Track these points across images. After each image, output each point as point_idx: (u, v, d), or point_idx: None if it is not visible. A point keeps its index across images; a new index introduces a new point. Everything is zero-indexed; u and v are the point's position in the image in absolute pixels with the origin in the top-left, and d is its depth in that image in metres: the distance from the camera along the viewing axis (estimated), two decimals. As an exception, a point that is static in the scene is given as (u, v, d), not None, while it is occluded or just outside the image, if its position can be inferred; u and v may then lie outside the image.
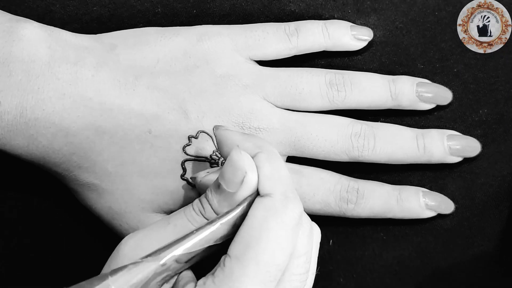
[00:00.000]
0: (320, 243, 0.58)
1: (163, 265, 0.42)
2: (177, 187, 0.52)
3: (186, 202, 0.53)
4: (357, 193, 0.54)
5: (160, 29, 0.54)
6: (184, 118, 0.51)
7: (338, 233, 0.59)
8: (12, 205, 0.58)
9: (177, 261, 0.42)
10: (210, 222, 0.43)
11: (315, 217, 0.55)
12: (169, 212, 0.53)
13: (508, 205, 0.58)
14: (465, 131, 0.57)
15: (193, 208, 0.45)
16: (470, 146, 0.55)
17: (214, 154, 0.52)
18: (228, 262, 0.41)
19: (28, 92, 0.49)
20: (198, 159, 0.52)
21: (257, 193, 0.44)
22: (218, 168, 0.48)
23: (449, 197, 0.57)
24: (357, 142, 0.54)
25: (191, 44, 0.53)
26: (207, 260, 0.45)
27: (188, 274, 0.44)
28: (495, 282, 0.59)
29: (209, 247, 0.43)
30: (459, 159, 0.55)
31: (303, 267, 0.45)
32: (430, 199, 0.56)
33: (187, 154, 0.52)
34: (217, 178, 0.44)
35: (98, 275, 0.41)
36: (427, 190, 0.57)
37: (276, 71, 0.54)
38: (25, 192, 0.58)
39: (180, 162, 0.52)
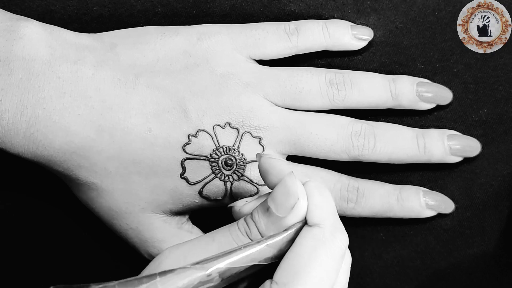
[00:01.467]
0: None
1: (209, 275, 0.42)
2: (176, 186, 0.52)
3: (186, 201, 0.53)
4: (357, 192, 0.54)
5: (160, 28, 0.54)
6: (184, 117, 0.51)
7: (338, 233, 0.59)
8: (12, 205, 0.58)
9: (220, 274, 0.42)
10: (257, 241, 0.43)
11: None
12: (169, 211, 0.53)
13: (508, 205, 0.58)
14: (465, 131, 0.57)
15: (238, 228, 0.45)
16: (470, 146, 0.55)
17: (214, 152, 0.52)
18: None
19: (28, 90, 0.49)
20: (198, 158, 0.52)
21: (304, 221, 0.44)
22: (256, 196, 0.48)
23: (449, 197, 0.57)
24: (357, 141, 0.54)
25: (191, 43, 0.53)
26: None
27: None
28: (495, 282, 0.59)
29: (252, 266, 0.43)
30: (459, 159, 0.55)
31: None
32: (430, 199, 0.56)
33: (187, 153, 0.52)
34: (266, 201, 0.44)
35: (147, 275, 0.41)
36: (427, 189, 0.57)
37: (276, 70, 0.54)
38: (25, 191, 0.58)
39: (180, 161, 0.52)
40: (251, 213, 0.45)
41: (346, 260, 0.47)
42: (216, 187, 0.53)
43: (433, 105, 0.55)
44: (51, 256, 0.59)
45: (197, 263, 0.42)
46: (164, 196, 0.52)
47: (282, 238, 0.43)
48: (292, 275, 0.41)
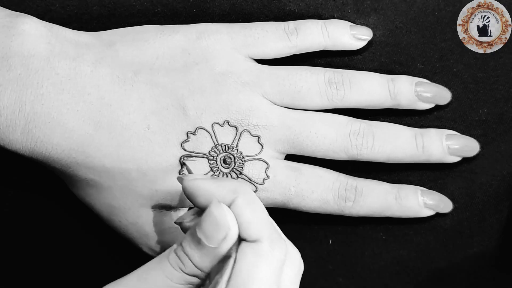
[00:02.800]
0: (320, 242, 0.58)
1: None
2: (175, 183, 0.52)
3: (184, 198, 0.52)
4: (356, 191, 0.54)
5: (160, 26, 0.54)
6: (182, 115, 0.51)
7: (338, 233, 0.59)
8: (10, 202, 0.58)
9: None
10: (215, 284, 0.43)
11: (314, 216, 0.55)
12: (168, 207, 0.53)
13: (507, 205, 0.58)
14: (464, 131, 0.56)
15: (170, 264, 0.44)
16: (469, 146, 0.55)
17: (213, 150, 0.52)
18: None
19: (27, 86, 0.49)
20: (197, 156, 0.52)
21: (239, 239, 0.43)
22: (196, 210, 0.47)
23: (448, 197, 0.57)
24: (356, 140, 0.54)
25: (190, 41, 0.53)
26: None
27: None
28: (495, 281, 0.59)
29: None
30: (457, 158, 0.55)
31: None
32: (428, 198, 0.56)
33: (185, 151, 0.52)
34: (195, 232, 0.43)
35: None
36: (426, 189, 0.57)
37: (275, 69, 0.54)
38: (24, 189, 0.58)
39: (179, 158, 0.52)
40: (182, 246, 0.44)
41: (293, 267, 0.46)
42: None
43: (432, 105, 0.55)
44: (49, 253, 0.59)
45: None
46: (163, 193, 0.52)
47: (228, 270, 0.43)
48: None
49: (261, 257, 0.43)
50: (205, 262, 0.43)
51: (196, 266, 0.44)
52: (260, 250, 0.43)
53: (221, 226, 0.43)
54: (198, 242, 0.43)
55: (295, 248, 0.47)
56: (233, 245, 0.43)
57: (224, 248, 0.43)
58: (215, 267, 0.44)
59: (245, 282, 0.42)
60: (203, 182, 0.45)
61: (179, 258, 0.44)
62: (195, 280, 0.44)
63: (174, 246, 0.44)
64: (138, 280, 0.44)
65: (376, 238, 0.59)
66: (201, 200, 0.45)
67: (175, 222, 0.48)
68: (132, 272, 0.45)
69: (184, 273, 0.44)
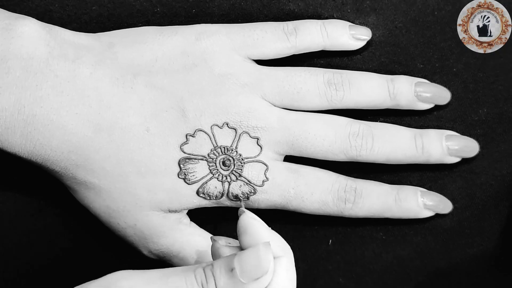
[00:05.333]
0: (320, 242, 0.58)
1: None
2: (174, 185, 0.52)
3: (184, 201, 0.53)
4: (355, 192, 0.54)
5: (159, 28, 0.54)
6: (182, 117, 0.51)
7: (338, 233, 0.59)
8: (10, 204, 0.58)
9: None
10: None
11: (314, 216, 0.55)
12: (167, 210, 0.53)
13: (507, 205, 0.58)
14: (464, 131, 0.56)
15: (195, 277, 0.44)
16: (469, 147, 0.55)
17: (212, 152, 0.52)
18: None
19: (26, 89, 0.49)
20: (196, 158, 0.52)
21: None
22: (238, 243, 0.47)
23: (448, 197, 0.57)
24: (355, 141, 0.54)
25: (190, 43, 0.53)
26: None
27: None
28: (495, 281, 0.59)
29: None
30: (457, 159, 0.55)
31: None
32: (428, 199, 0.56)
33: (185, 153, 0.52)
34: (232, 260, 0.43)
35: None
36: (425, 190, 0.57)
37: (274, 70, 0.54)
38: (23, 191, 0.58)
39: (178, 161, 0.52)
40: (212, 265, 0.44)
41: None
42: (214, 187, 0.53)
43: (432, 105, 0.55)
44: (49, 255, 0.59)
45: None
46: (162, 195, 0.52)
47: None
48: None
49: None
50: None
51: None
52: None
53: (261, 267, 0.43)
54: (230, 270, 0.43)
55: None
56: None
57: (251, 287, 0.43)
58: None
59: None
60: (259, 225, 0.45)
61: (205, 276, 0.44)
62: None
63: (204, 264, 0.44)
64: (161, 278, 0.44)
65: (376, 238, 0.59)
66: (248, 239, 0.45)
67: (211, 238, 0.48)
68: (157, 269, 0.45)
69: None
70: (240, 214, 0.45)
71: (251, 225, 0.45)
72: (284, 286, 0.44)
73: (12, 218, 0.59)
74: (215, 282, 0.43)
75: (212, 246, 0.47)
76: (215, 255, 0.46)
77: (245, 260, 0.43)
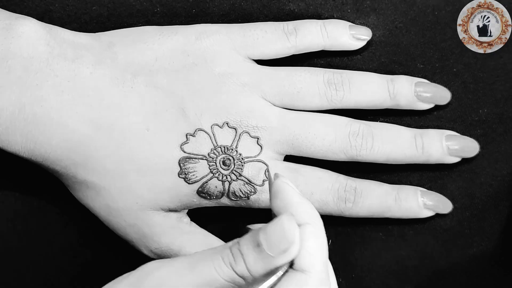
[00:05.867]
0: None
1: None
2: (174, 185, 0.52)
3: (184, 200, 0.53)
4: (355, 192, 0.54)
5: (159, 27, 0.54)
6: (182, 116, 0.51)
7: (338, 233, 0.59)
8: (10, 203, 0.58)
9: None
10: None
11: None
12: (167, 209, 0.53)
13: (507, 205, 0.58)
14: (464, 131, 0.56)
15: (222, 259, 0.43)
16: (469, 147, 0.55)
17: (212, 152, 0.52)
18: None
19: (26, 88, 0.49)
20: (196, 157, 0.52)
21: (291, 263, 0.43)
22: None
23: (448, 197, 0.57)
24: (355, 141, 0.54)
25: (190, 42, 0.53)
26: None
27: None
28: (495, 282, 0.59)
29: None
30: (457, 159, 0.55)
31: None
32: (428, 199, 0.56)
33: (185, 152, 0.52)
34: (258, 234, 0.43)
35: None
36: (426, 189, 0.56)
37: (274, 70, 0.54)
38: (23, 190, 0.58)
39: (178, 160, 0.52)
40: (239, 244, 0.43)
41: None
42: (214, 187, 0.53)
43: (432, 105, 0.55)
44: (49, 254, 0.59)
45: None
46: (162, 195, 0.52)
47: (267, 284, 0.43)
48: None
49: None
50: (257, 267, 0.42)
51: (247, 268, 0.43)
52: (305, 282, 0.42)
53: (287, 238, 0.42)
54: (257, 245, 0.42)
55: None
56: (285, 270, 0.43)
57: (280, 261, 0.42)
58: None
59: None
60: (291, 191, 0.44)
61: (233, 255, 0.43)
62: (241, 282, 0.43)
63: (230, 243, 0.44)
64: (188, 263, 0.43)
65: (375, 238, 0.59)
66: (278, 203, 0.44)
67: (246, 227, 0.48)
68: (183, 256, 0.45)
69: (234, 270, 0.43)
70: (275, 178, 0.45)
71: (283, 190, 0.44)
72: (313, 254, 0.43)
73: (12, 218, 0.59)
74: (244, 260, 0.43)
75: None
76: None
77: (270, 233, 0.42)
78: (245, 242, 0.43)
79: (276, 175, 0.45)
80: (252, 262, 0.42)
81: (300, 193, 0.45)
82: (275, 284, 0.43)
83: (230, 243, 0.44)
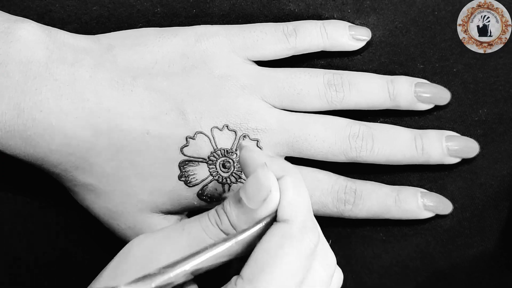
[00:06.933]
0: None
1: (172, 277, 0.42)
2: (174, 187, 0.52)
3: (184, 203, 0.53)
4: (355, 194, 0.54)
5: (159, 29, 0.54)
6: (181, 119, 0.51)
7: (338, 233, 0.59)
8: (10, 205, 0.59)
9: (185, 274, 0.42)
10: (225, 239, 0.43)
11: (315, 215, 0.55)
12: (167, 212, 0.53)
13: (507, 205, 0.58)
14: (464, 131, 0.56)
15: (209, 219, 0.45)
16: (469, 147, 0.55)
17: (212, 155, 0.52)
18: (240, 284, 0.42)
19: (25, 93, 0.49)
20: (196, 160, 0.52)
21: (275, 216, 0.43)
22: None
23: (448, 197, 0.57)
24: (355, 143, 0.54)
25: (189, 45, 0.53)
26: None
27: None
28: (495, 282, 0.59)
29: (221, 262, 0.43)
30: (457, 160, 0.55)
31: None
32: (428, 200, 0.56)
33: (185, 155, 0.52)
34: (238, 192, 0.44)
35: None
36: (426, 190, 0.57)
37: (274, 71, 0.54)
38: (23, 192, 0.58)
39: (178, 163, 0.52)
40: (223, 204, 0.45)
41: (336, 277, 0.47)
42: (214, 189, 0.53)
43: (431, 106, 0.55)
44: (49, 256, 0.59)
45: (163, 267, 0.42)
46: (162, 198, 0.52)
47: (250, 234, 0.43)
48: (257, 271, 0.42)
49: (289, 239, 0.43)
50: (241, 221, 0.44)
51: (231, 224, 0.44)
52: (289, 231, 0.43)
53: (263, 187, 0.43)
54: (238, 201, 0.44)
55: (333, 253, 0.48)
56: (267, 222, 0.43)
57: (261, 212, 0.43)
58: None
59: (267, 262, 0.42)
60: (258, 154, 0.45)
61: (218, 215, 0.44)
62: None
63: (218, 206, 0.45)
64: (177, 228, 0.45)
65: (376, 238, 0.59)
66: (249, 170, 0.45)
67: (222, 196, 0.50)
68: (173, 224, 0.47)
69: (220, 229, 0.44)
70: (240, 150, 0.46)
71: (250, 156, 0.45)
72: (294, 203, 0.43)
73: (12, 218, 0.59)
74: (227, 218, 0.44)
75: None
76: None
77: (247, 187, 0.43)
78: (228, 201, 0.44)
79: (240, 146, 0.46)
80: (236, 218, 0.44)
81: (267, 154, 0.46)
82: (259, 235, 0.43)
83: (217, 207, 0.45)
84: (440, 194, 0.57)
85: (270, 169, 0.44)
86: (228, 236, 0.43)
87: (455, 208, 0.57)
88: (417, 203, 0.55)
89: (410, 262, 0.59)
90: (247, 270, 0.42)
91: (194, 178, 0.52)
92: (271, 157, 0.45)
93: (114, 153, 0.51)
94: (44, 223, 0.59)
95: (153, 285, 0.41)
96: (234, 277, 0.42)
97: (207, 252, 0.42)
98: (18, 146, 0.50)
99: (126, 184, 0.52)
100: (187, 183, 0.52)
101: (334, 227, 0.58)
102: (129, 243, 0.45)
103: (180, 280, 0.42)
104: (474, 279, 0.59)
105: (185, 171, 0.52)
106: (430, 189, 0.57)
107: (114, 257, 0.45)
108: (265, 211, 0.43)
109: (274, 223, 0.43)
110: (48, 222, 0.59)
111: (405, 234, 0.59)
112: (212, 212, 0.45)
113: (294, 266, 0.42)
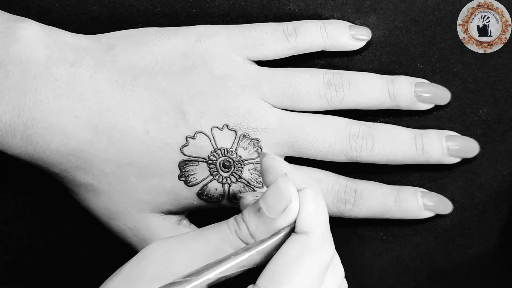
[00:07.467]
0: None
1: (197, 286, 0.42)
2: (174, 187, 0.52)
3: (184, 203, 0.53)
4: (355, 193, 0.54)
5: (159, 29, 0.54)
6: (182, 119, 0.51)
7: (338, 233, 0.59)
8: (11, 205, 0.59)
9: (208, 284, 0.42)
10: (247, 248, 0.43)
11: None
12: (167, 212, 0.53)
13: (507, 205, 0.58)
14: (464, 131, 0.56)
15: (228, 227, 0.44)
16: (469, 147, 0.55)
17: (212, 154, 0.52)
18: None
19: (25, 93, 0.49)
20: (196, 160, 0.52)
21: (293, 228, 0.43)
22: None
23: (448, 197, 0.57)
24: (355, 143, 0.54)
25: (190, 44, 0.53)
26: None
27: None
28: (495, 281, 0.59)
29: (240, 271, 0.43)
30: (457, 159, 0.55)
31: None
32: (428, 200, 0.56)
33: (185, 155, 0.52)
34: (258, 201, 0.44)
35: None
36: (426, 190, 0.57)
37: (274, 71, 0.54)
38: (24, 192, 0.59)
39: (178, 163, 0.52)
40: (242, 213, 0.45)
41: (336, 279, 0.47)
42: (214, 189, 0.53)
43: (431, 106, 0.55)
44: (50, 256, 0.59)
45: (188, 275, 0.42)
46: (162, 198, 0.52)
47: (270, 244, 0.43)
48: (274, 281, 0.41)
49: (308, 250, 0.43)
50: (260, 231, 0.43)
51: (250, 234, 0.44)
52: (308, 243, 0.43)
53: (284, 197, 0.43)
54: (257, 210, 0.44)
55: (341, 265, 0.48)
56: (288, 230, 0.43)
57: (281, 222, 0.43)
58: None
59: (286, 272, 0.42)
60: (280, 163, 0.45)
61: (237, 223, 0.44)
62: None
63: (235, 216, 0.45)
64: (195, 235, 0.45)
65: (376, 238, 0.59)
66: (270, 178, 0.45)
67: (238, 195, 0.49)
68: (191, 231, 0.47)
69: (238, 237, 0.44)
70: (262, 157, 0.45)
71: (272, 165, 0.45)
72: (313, 215, 0.43)
73: (12, 218, 0.59)
74: (247, 227, 0.44)
75: (241, 205, 0.48)
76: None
77: (267, 197, 0.43)
78: (247, 209, 0.44)
79: (262, 154, 0.46)
80: (254, 227, 0.44)
81: (288, 164, 0.46)
82: (276, 246, 0.43)
83: (236, 216, 0.45)
84: (440, 194, 0.57)
85: (292, 178, 0.44)
86: (249, 245, 0.43)
87: (455, 208, 0.57)
88: (417, 203, 0.55)
89: (410, 262, 0.59)
90: (264, 279, 0.42)
91: (194, 177, 0.52)
92: (294, 167, 0.45)
93: (113, 153, 0.51)
94: (44, 223, 0.59)
95: None
96: (250, 286, 0.42)
97: (230, 261, 0.42)
98: (18, 146, 0.50)
99: (126, 184, 0.52)
100: (187, 182, 0.52)
101: (334, 227, 0.58)
102: (144, 248, 0.45)
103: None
104: (474, 279, 0.59)
105: (185, 171, 0.52)
106: (430, 189, 0.57)
107: (127, 263, 0.45)
108: (284, 221, 0.43)
109: (293, 234, 0.43)
110: (48, 222, 0.59)
111: (405, 234, 0.59)
112: (231, 220, 0.45)
113: (311, 278, 0.42)
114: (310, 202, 0.43)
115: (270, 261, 0.42)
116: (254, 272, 0.43)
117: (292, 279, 0.42)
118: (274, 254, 0.43)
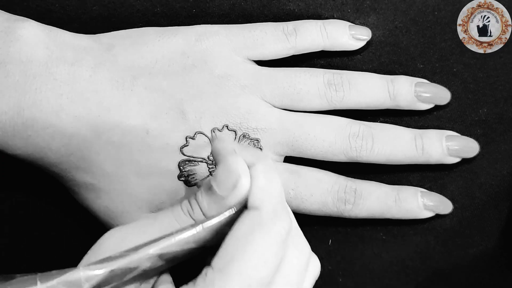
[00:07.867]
0: (320, 242, 0.58)
1: (135, 260, 0.42)
2: (174, 187, 0.52)
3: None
4: (355, 193, 0.54)
5: (159, 29, 0.54)
6: (181, 119, 0.51)
7: (338, 233, 0.59)
8: (11, 205, 0.59)
9: (151, 259, 0.42)
10: (193, 225, 0.43)
11: (314, 216, 0.55)
12: (167, 211, 0.53)
13: (507, 205, 0.58)
14: (464, 131, 0.56)
15: (181, 208, 0.44)
16: (469, 147, 0.55)
17: (212, 155, 0.52)
18: (211, 273, 0.41)
19: (25, 92, 0.49)
20: (196, 160, 0.52)
21: (246, 205, 0.43)
22: None
23: (448, 197, 0.57)
24: (355, 142, 0.54)
25: (189, 44, 0.53)
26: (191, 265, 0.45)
27: (168, 279, 0.45)
28: (495, 281, 0.59)
29: (191, 249, 0.43)
30: (457, 159, 0.55)
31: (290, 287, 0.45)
32: (428, 200, 0.56)
33: (185, 155, 0.52)
34: (209, 179, 0.44)
35: (72, 268, 0.42)
36: (426, 190, 0.56)
37: (274, 71, 0.54)
38: (24, 191, 0.58)
39: (177, 163, 0.52)
40: (195, 194, 0.44)
41: (310, 265, 0.47)
42: None
43: (431, 106, 0.55)
44: (49, 256, 0.59)
45: (126, 250, 0.42)
46: (162, 197, 0.52)
47: (219, 221, 0.43)
48: (228, 260, 0.41)
49: (259, 225, 0.42)
50: (212, 210, 0.43)
51: (203, 213, 0.44)
52: (259, 218, 0.42)
53: (233, 173, 0.43)
54: (209, 189, 0.43)
55: (306, 240, 0.47)
56: (238, 211, 0.43)
57: (232, 199, 0.43)
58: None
59: (237, 250, 0.41)
60: (229, 144, 0.45)
61: (190, 204, 0.44)
62: None
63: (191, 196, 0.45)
64: (149, 218, 0.45)
65: (376, 238, 0.59)
66: (221, 158, 0.44)
67: (197, 185, 0.49)
68: (146, 215, 0.47)
69: (191, 218, 0.44)
70: (212, 141, 0.46)
71: (221, 147, 0.44)
72: (264, 189, 0.43)
73: (12, 218, 0.59)
74: (199, 206, 0.44)
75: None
76: None
77: (217, 174, 0.43)
78: (200, 190, 0.44)
79: (213, 138, 0.46)
80: (207, 206, 0.43)
81: (236, 143, 0.46)
82: (230, 224, 0.43)
83: (190, 197, 0.45)
84: (440, 194, 0.57)
85: (241, 156, 0.44)
86: (195, 223, 0.43)
87: (455, 208, 0.57)
88: (417, 203, 0.55)
89: (410, 262, 0.59)
90: (217, 259, 0.41)
91: (193, 177, 0.52)
92: (243, 146, 0.45)
93: (114, 153, 0.51)
94: (44, 223, 0.59)
95: (114, 267, 0.41)
96: (205, 268, 0.42)
97: (172, 237, 0.42)
98: (18, 146, 0.50)
99: (126, 184, 0.52)
100: (186, 182, 0.52)
101: (334, 227, 0.58)
102: (101, 236, 0.45)
103: (146, 265, 0.42)
104: (474, 279, 0.59)
105: (185, 171, 0.52)
106: (430, 189, 0.57)
107: (85, 256, 0.45)
108: (235, 198, 0.43)
109: (245, 210, 0.43)
110: (48, 222, 0.59)
111: (405, 233, 0.59)
112: (184, 201, 0.45)
113: (265, 254, 0.42)
114: (260, 177, 0.43)
115: (223, 241, 0.42)
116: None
117: (244, 256, 0.41)
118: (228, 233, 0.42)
